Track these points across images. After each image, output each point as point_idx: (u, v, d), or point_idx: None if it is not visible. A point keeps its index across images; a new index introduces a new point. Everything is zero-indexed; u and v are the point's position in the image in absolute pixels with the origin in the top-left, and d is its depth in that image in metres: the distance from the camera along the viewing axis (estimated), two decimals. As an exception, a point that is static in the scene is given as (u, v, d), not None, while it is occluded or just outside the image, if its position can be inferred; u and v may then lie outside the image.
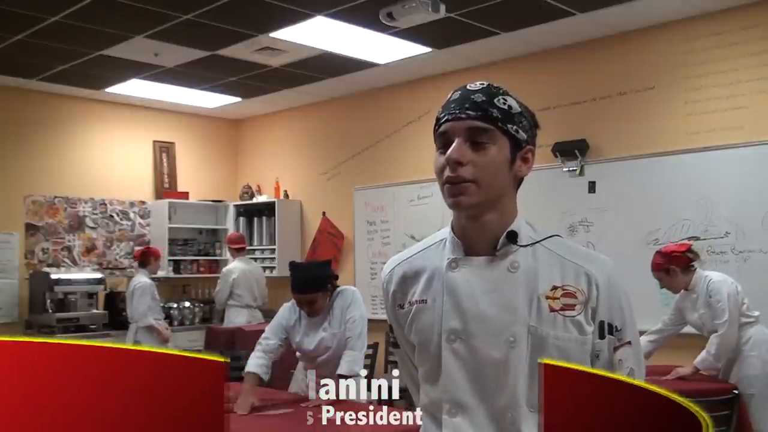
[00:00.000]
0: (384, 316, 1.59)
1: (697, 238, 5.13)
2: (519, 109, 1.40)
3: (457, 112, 1.37)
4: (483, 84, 1.41)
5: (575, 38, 5.81)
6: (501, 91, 1.40)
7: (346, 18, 5.25)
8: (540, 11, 5.18)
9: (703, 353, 4.05)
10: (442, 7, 4.86)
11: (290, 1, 4.93)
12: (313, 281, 3.72)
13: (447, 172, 1.36)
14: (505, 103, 1.38)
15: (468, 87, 1.41)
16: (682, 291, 4.25)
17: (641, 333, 4.32)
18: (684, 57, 5.36)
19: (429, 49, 6.04)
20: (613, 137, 5.70)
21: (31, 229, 7.18)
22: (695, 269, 4.18)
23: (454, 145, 1.36)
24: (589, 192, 5.76)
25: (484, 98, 1.37)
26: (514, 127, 1.38)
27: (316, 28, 5.45)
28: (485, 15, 5.23)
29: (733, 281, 4.11)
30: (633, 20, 5.40)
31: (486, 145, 1.36)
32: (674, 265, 4.17)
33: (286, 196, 8.11)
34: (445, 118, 1.39)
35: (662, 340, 4.35)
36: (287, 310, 3.87)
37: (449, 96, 1.42)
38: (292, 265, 3.90)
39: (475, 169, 1.35)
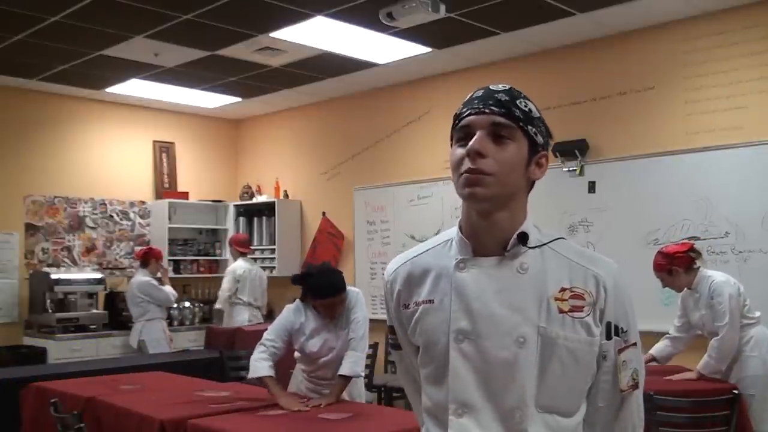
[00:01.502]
0: (385, 316, 1.59)
1: (697, 238, 5.13)
2: (538, 115, 1.44)
3: (481, 107, 1.40)
4: (506, 86, 1.44)
5: (575, 38, 5.81)
6: (522, 95, 1.44)
7: (346, 18, 5.25)
8: (540, 11, 5.18)
9: (705, 358, 4.05)
10: (442, 7, 4.86)
11: (290, 1, 4.93)
12: (341, 283, 3.70)
13: (466, 164, 1.38)
14: (526, 106, 1.41)
15: (491, 87, 1.44)
16: (686, 290, 4.24)
17: (648, 335, 4.33)
18: (684, 57, 5.36)
19: (429, 49, 6.04)
20: (612, 137, 5.70)
21: (31, 229, 7.18)
22: (698, 268, 4.17)
23: (476, 136, 1.38)
24: (589, 192, 5.76)
25: (507, 98, 1.41)
26: (534, 130, 1.41)
27: (316, 28, 5.45)
28: (485, 15, 5.23)
29: (735, 282, 4.09)
30: (633, 20, 5.40)
31: (507, 141, 1.38)
32: (677, 266, 4.15)
33: (286, 196, 8.11)
34: (468, 112, 1.41)
35: (681, 346, 4.33)
36: (292, 313, 3.84)
37: (471, 94, 1.45)
38: (309, 273, 3.79)
39: (495, 163, 1.36)
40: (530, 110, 1.41)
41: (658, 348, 4.39)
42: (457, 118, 1.43)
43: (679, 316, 4.34)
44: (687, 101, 5.35)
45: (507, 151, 1.38)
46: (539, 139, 1.42)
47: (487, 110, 1.39)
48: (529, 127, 1.40)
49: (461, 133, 1.41)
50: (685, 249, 4.20)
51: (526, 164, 1.41)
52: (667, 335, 4.37)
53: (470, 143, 1.37)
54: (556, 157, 5.84)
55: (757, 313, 4.12)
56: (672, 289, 4.29)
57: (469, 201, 1.41)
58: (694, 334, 4.33)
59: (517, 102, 1.40)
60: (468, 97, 1.45)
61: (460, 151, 1.39)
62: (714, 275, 4.14)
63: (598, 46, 5.81)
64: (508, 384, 1.35)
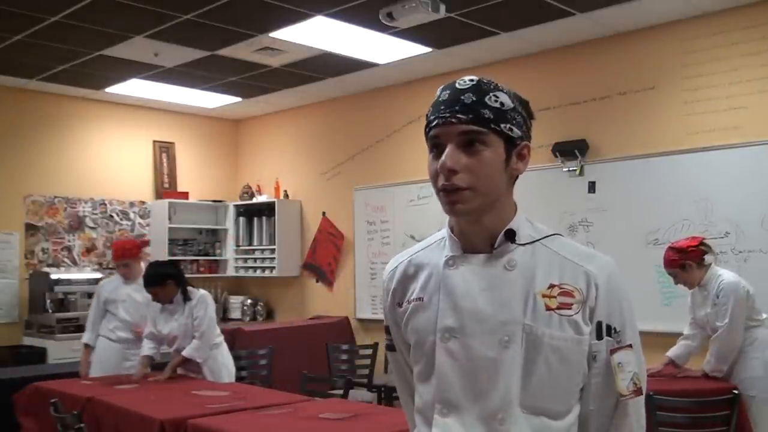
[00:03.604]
0: (383, 316, 1.58)
1: (697, 238, 5.13)
2: (512, 105, 1.35)
3: (448, 115, 1.32)
4: (473, 80, 1.35)
5: (575, 38, 5.81)
6: (492, 87, 1.35)
7: (346, 18, 5.25)
8: (540, 11, 5.18)
9: (707, 356, 4.06)
10: (442, 7, 4.86)
11: (290, 1, 4.94)
12: (152, 278, 4.53)
13: (441, 180, 1.33)
14: (497, 101, 1.33)
15: (457, 86, 1.35)
16: (696, 287, 4.21)
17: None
18: (684, 57, 5.36)
19: (429, 49, 6.04)
20: (612, 137, 5.70)
21: (31, 229, 7.18)
22: (710, 263, 4.15)
23: (446, 152, 1.32)
24: (589, 192, 5.76)
25: (474, 98, 1.32)
26: (508, 126, 1.33)
27: (316, 28, 5.45)
28: (485, 15, 5.23)
29: (744, 284, 4.04)
30: (633, 20, 5.40)
31: (480, 149, 1.32)
32: (690, 260, 4.11)
33: (286, 196, 8.11)
34: (435, 122, 1.34)
35: (697, 345, 4.24)
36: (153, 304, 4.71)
37: (438, 95, 1.37)
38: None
39: (470, 176, 1.31)
40: (502, 104, 1.33)
41: (674, 350, 4.28)
42: (428, 125, 1.37)
43: (690, 313, 4.31)
44: (686, 101, 5.35)
45: (481, 159, 1.31)
46: (515, 132, 1.34)
47: (454, 119, 1.31)
48: (503, 125, 1.32)
49: (432, 143, 1.36)
50: (696, 243, 4.16)
51: (506, 162, 1.35)
52: (683, 336, 4.31)
53: (441, 159, 1.32)
54: (556, 157, 5.84)
55: (763, 315, 4.09)
56: (685, 285, 4.22)
57: (451, 216, 1.39)
58: (708, 331, 4.26)
59: (486, 99, 1.32)
60: (435, 99, 1.38)
61: (435, 165, 1.34)
62: (724, 274, 4.10)
63: (598, 46, 5.81)
64: (492, 384, 1.31)
